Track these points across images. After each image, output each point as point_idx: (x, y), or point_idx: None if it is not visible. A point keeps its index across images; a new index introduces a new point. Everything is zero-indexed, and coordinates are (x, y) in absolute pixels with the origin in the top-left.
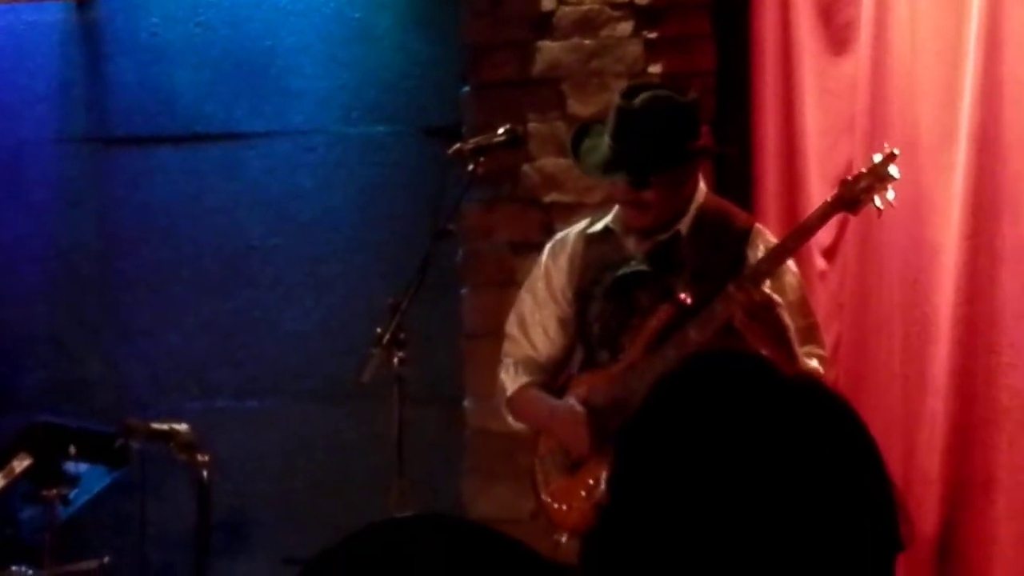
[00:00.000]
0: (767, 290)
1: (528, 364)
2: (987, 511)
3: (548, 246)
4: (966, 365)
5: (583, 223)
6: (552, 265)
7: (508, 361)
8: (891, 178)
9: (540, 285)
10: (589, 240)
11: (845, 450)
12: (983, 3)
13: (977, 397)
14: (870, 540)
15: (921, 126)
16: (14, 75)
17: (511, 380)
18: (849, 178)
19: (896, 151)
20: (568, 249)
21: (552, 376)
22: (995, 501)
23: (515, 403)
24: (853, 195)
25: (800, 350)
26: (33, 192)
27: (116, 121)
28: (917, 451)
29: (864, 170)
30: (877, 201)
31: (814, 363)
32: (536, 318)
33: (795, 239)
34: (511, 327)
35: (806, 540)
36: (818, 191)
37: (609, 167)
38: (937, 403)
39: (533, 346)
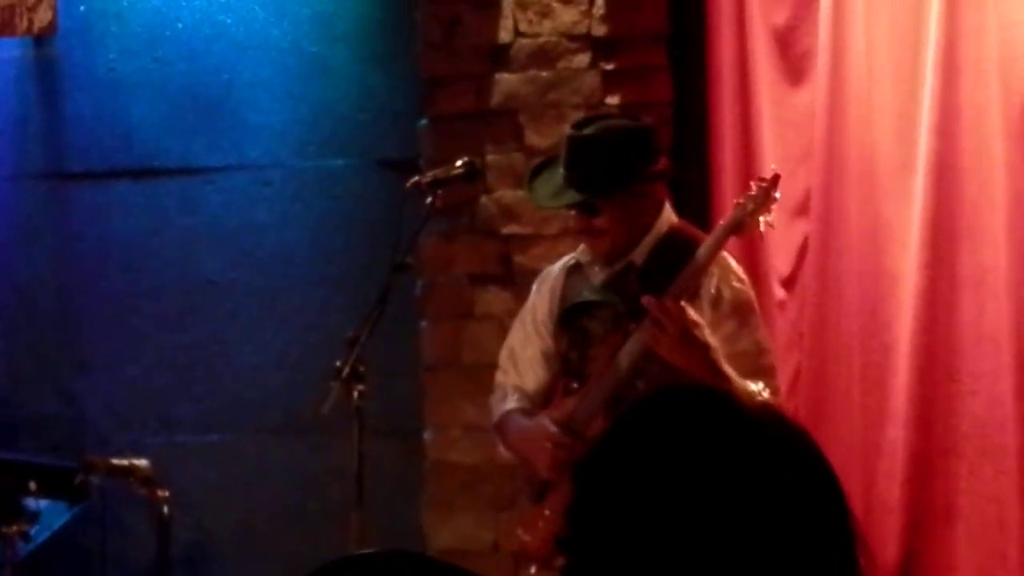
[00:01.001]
0: (688, 313)
1: (518, 392)
2: (948, 540)
3: (537, 279)
4: (926, 393)
5: (568, 256)
6: (537, 298)
7: (498, 392)
8: (773, 200)
9: (528, 318)
10: (568, 273)
11: (804, 481)
12: (939, 31)
13: (937, 425)
14: (830, 573)
15: (879, 155)
16: None
17: (497, 407)
18: (739, 200)
19: (779, 173)
20: (550, 281)
21: (541, 407)
22: (956, 530)
23: (500, 429)
24: (740, 218)
25: (749, 376)
26: None
27: (73, 156)
28: (877, 480)
29: (752, 193)
30: (760, 225)
31: (758, 386)
32: (526, 352)
33: (696, 264)
34: (502, 358)
35: (766, 574)
36: (776, 220)
37: (557, 194)
38: (897, 432)
39: (522, 378)
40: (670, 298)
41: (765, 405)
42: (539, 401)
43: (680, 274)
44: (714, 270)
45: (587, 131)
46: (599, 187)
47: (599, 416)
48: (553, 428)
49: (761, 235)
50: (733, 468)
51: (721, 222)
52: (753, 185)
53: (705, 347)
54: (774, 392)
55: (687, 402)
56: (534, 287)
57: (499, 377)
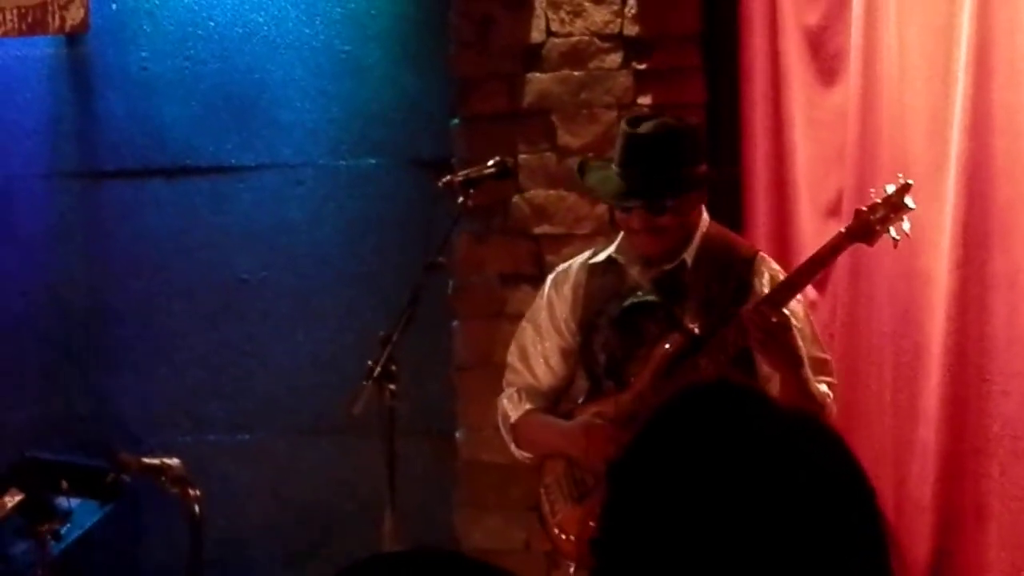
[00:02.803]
0: (786, 312)
1: (530, 393)
2: (979, 540)
3: (551, 277)
4: (957, 394)
5: (586, 254)
6: (555, 296)
7: (510, 390)
8: (907, 208)
9: (543, 316)
10: (592, 271)
11: (836, 484)
12: (972, 31)
13: (968, 425)
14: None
15: (911, 155)
16: (3, 110)
17: (514, 408)
18: (864, 208)
19: (910, 181)
20: (571, 280)
21: (553, 405)
22: (987, 529)
23: (520, 430)
24: (868, 226)
25: (813, 377)
26: (22, 226)
27: (106, 155)
28: (909, 480)
29: (879, 200)
30: (893, 232)
31: (824, 388)
32: (538, 349)
33: (808, 271)
34: (512, 358)
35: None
36: (809, 221)
37: (625, 194)
38: (928, 432)
39: (535, 376)
40: (772, 304)
41: (797, 406)
42: (551, 398)
43: (784, 283)
44: (764, 271)
45: (644, 130)
46: (670, 189)
47: None
48: (608, 424)
49: (895, 243)
50: (765, 469)
51: (842, 229)
52: (873, 192)
53: (800, 354)
54: (836, 396)
55: (719, 402)
56: (547, 285)
57: (509, 377)
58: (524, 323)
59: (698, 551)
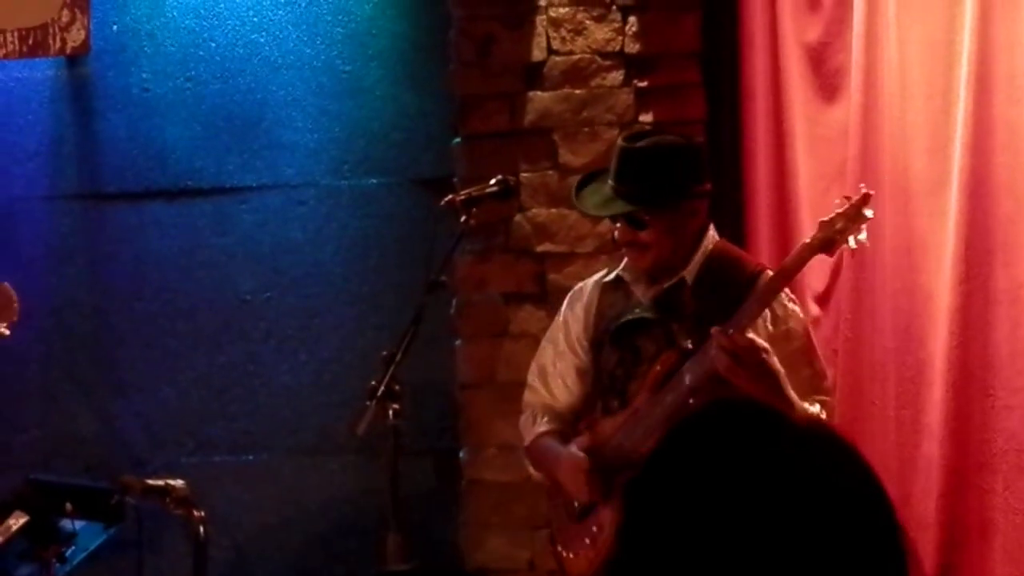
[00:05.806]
0: (752, 336)
1: (548, 412)
2: (984, 555)
3: (568, 296)
4: (961, 409)
5: (601, 272)
6: (570, 315)
7: (528, 411)
8: (865, 218)
9: (559, 336)
10: (604, 289)
11: (856, 499)
12: (972, 48)
13: (972, 441)
14: None
15: (913, 171)
16: (4, 132)
17: (529, 429)
18: (825, 219)
19: (871, 192)
20: (584, 298)
21: (571, 424)
22: (992, 545)
23: (531, 452)
24: (829, 236)
25: (806, 398)
26: (25, 249)
27: (107, 177)
28: (913, 496)
29: (839, 211)
30: (851, 242)
31: (815, 408)
32: (556, 368)
33: (776, 282)
34: (532, 377)
35: None
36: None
37: (605, 205)
38: (932, 448)
39: (552, 396)
40: (743, 323)
41: (815, 422)
42: (570, 418)
43: (752, 295)
44: None
45: (640, 144)
46: (649, 200)
47: (655, 435)
48: (583, 457)
49: (852, 253)
50: (785, 486)
51: (804, 241)
52: (839, 202)
53: (776, 374)
54: (830, 414)
55: (738, 420)
56: (564, 304)
57: (528, 397)
58: (544, 342)
59: (719, 569)
